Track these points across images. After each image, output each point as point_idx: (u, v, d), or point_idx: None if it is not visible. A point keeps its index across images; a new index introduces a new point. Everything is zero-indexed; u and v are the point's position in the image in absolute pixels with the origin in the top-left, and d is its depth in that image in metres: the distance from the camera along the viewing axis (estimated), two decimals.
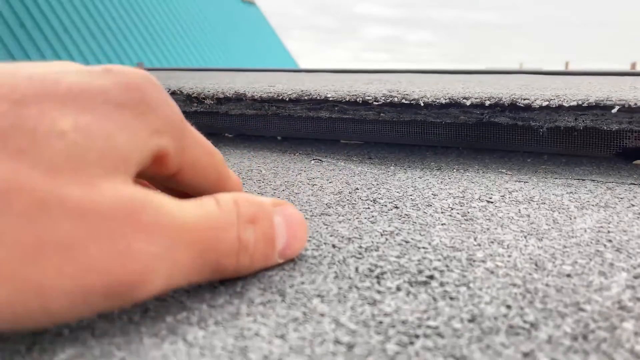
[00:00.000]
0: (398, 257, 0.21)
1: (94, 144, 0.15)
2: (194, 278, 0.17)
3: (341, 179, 0.34)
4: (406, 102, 0.40)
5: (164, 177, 0.20)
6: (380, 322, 0.16)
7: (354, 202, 0.29)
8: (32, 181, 0.14)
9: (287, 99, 0.43)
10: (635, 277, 0.20)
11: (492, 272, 0.20)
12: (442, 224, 0.25)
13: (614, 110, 0.35)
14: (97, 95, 0.16)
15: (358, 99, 0.41)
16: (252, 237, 0.18)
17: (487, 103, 0.38)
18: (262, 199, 0.19)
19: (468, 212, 0.27)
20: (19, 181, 0.13)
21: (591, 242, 0.23)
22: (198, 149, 0.20)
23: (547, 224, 0.25)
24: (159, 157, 0.18)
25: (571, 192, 0.31)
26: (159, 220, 0.15)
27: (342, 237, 0.24)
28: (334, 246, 0.23)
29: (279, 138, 0.49)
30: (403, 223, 0.25)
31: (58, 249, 0.13)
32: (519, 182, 0.34)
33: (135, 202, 0.15)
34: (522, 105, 0.37)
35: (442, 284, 0.19)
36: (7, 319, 0.13)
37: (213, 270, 0.17)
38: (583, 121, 0.36)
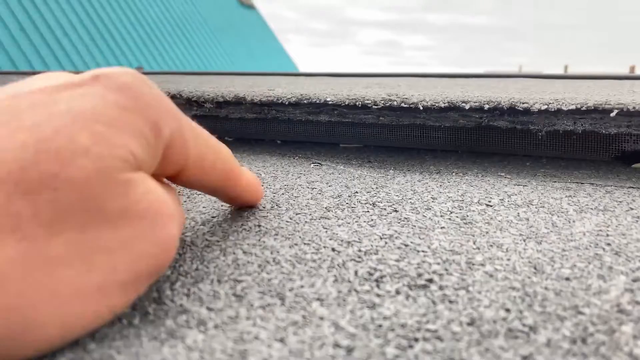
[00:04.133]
0: (397, 260, 0.21)
1: (115, 151, 0.16)
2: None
3: (340, 182, 0.34)
4: (405, 105, 0.40)
5: (171, 176, 0.20)
6: (380, 326, 0.17)
7: (354, 206, 0.29)
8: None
9: (286, 103, 0.43)
10: (634, 281, 0.20)
11: (491, 276, 0.20)
12: (441, 228, 0.25)
13: (613, 114, 0.35)
14: (95, 110, 0.16)
15: (357, 103, 0.41)
16: None
17: (486, 107, 0.38)
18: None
19: (467, 216, 0.27)
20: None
21: (590, 246, 0.23)
22: (202, 142, 0.21)
23: (546, 228, 0.25)
24: (165, 151, 0.18)
25: (570, 196, 0.31)
26: (172, 207, 0.18)
27: (342, 240, 0.24)
28: (333, 250, 0.23)
29: (278, 142, 0.49)
30: (402, 227, 0.25)
31: (108, 250, 0.16)
32: (518, 185, 0.34)
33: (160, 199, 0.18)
34: (521, 109, 0.37)
35: (441, 288, 0.19)
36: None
37: None
38: (582, 125, 0.36)
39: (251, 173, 0.25)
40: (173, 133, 0.18)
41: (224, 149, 0.22)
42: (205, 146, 0.21)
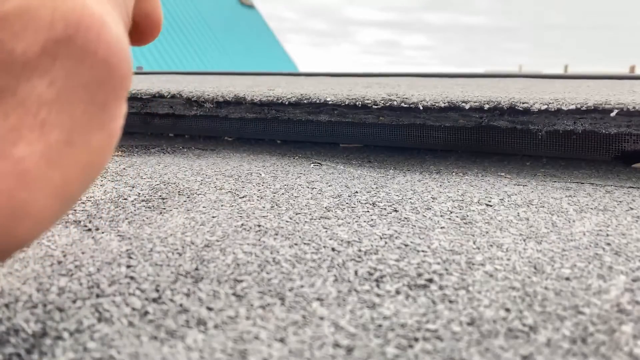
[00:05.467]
0: (397, 260, 0.21)
1: None
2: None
3: (340, 182, 0.34)
4: (405, 105, 0.40)
5: None
6: (380, 326, 0.17)
7: (354, 206, 0.29)
8: None
9: (286, 103, 0.43)
10: (634, 280, 0.20)
11: (491, 276, 0.20)
12: (441, 228, 0.25)
13: (613, 114, 0.35)
14: None
15: (357, 103, 0.41)
16: None
17: (486, 107, 0.38)
18: None
19: (467, 216, 0.27)
20: None
21: (590, 246, 0.23)
22: None
23: (546, 227, 0.25)
24: None
25: (570, 196, 0.31)
26: (100, 8, 0.14)
27: (342, 240, 0.24)
28: (333, 249, 0.23)
29: (278, 141, 0.49)
30: (402, 226, 0.25)
31: None
32: (518, 185, 0.34)
33: None
34: (520, 108, 0.37)
35: (441, 287, 0.19)
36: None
37: (125, 29, 0.16)
38: (582, 125, 0.36)
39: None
40: None
41: None
42: None
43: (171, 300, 0.18)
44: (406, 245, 0.23)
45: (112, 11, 0.15)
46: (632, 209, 0.28)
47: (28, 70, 0.13)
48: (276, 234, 0.24)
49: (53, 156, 0.13)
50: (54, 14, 0.13)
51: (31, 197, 0.13)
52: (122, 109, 0.15)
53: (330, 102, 0.42)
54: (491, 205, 0.29)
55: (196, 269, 0.21)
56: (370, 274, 0.20)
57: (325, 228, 0.25)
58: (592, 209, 0.28)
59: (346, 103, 0.41)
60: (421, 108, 0.39)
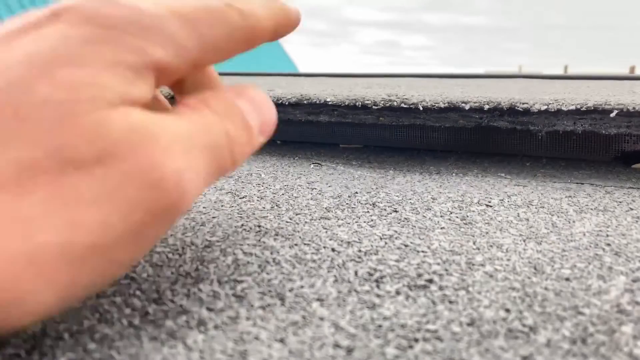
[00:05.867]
0: (397, 260, 0.21)
1: (81, 95, 0.14)
2: (210, 180, 0.17)
3: (340, 182, 0.34)
4: (405, 106, 0.40)
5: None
6: (380, 326, 0.17)
7: (353, 206, 0.29)
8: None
9: (286, 103, 0.43)
10: (634, 281, 0.20)
11: (491, 276, 0.20)
12: (441, 228, 0.25)
13: (613, 114, 0.35)
14: (55, 52, 0.14)
15: (357, 103, 0.41)
16: (232, 129, 0.18)
17: (486, 107, 0.38)
18: (224, 92, 0.19)
19: (467, 216, 0.27)
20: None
21: (590, 246, 0.23)
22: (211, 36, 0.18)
23: (546, 228, 0.25)
24: (156, 68, 0.16)
25: (570, 196, 0.31)
26: (171, 137, 0.15)
27: (342, 240, 0.24)
28: (333, 250, 0.23)
29: (278, 142, 0.49)
30: (402, 227, 0.26)
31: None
32: (518, 185, 0.34)
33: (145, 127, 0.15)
34: (520, 109, 0.37)
35: (441, 288, 0.19)
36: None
37: (219, 169, 0.17)
38: (582, 125, 0.36)
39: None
40: (169, 47, 0.16)
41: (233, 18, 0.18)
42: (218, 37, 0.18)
43: (171, 300, 0.18)
44: (406, 246, 0.23)
45: (182, 141, 0.16)
46: (632, 209, 0.28)
47: (83, 175, 0.14)
48: (276, 235, 0.24)
49: (72, 255, 0.13)
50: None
51: (34, 288, 0.13)
52: (160, 235, 0.16)
53: (330, 103, 0.42)
54: (491, 206, 0.29)
55: (196, 269, 0.21)
56: (370, 275, 0.20)
57: (325, 228, 0.25)
58: (592, 209, 0.28)
59: (346, 103, 0.41)
60: (421, 108, 0.39)
